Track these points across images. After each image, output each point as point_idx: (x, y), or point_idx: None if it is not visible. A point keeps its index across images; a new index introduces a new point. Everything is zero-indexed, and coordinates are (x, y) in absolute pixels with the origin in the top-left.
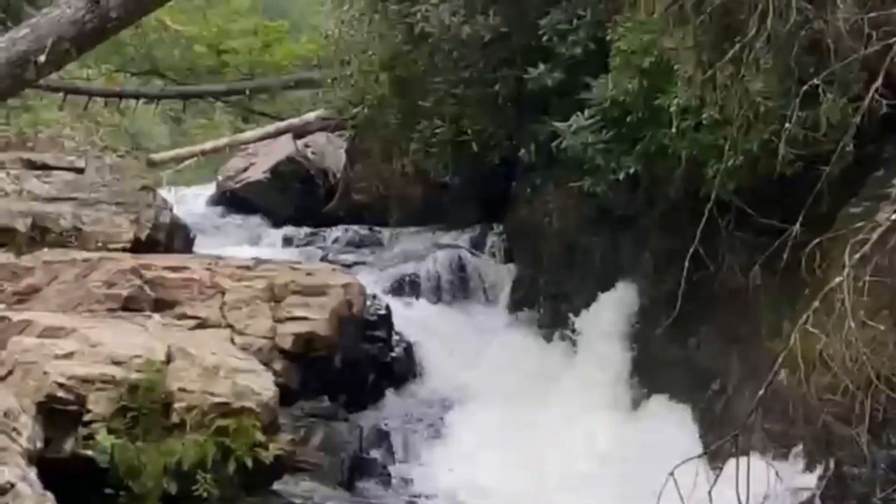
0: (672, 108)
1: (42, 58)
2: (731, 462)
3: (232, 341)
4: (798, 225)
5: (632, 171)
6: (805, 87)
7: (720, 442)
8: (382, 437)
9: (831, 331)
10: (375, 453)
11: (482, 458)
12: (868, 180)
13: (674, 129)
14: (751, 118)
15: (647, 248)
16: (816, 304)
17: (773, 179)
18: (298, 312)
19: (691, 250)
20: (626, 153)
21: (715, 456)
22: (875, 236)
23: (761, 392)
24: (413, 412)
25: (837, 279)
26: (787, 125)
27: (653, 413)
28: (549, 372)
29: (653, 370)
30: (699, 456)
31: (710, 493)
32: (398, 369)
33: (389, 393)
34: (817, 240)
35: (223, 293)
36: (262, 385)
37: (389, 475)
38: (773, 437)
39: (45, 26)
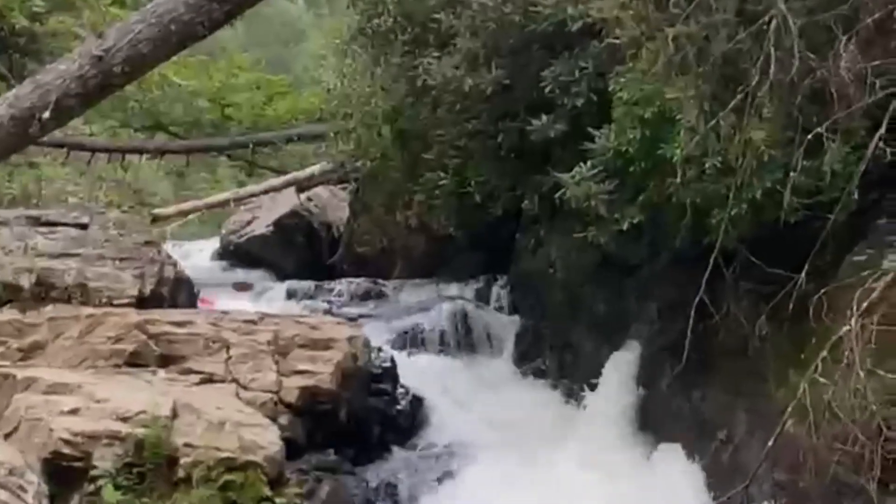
0: (675, 158)
1: (46, 114)
2: None
3: (237, 396)
4: (803, 274)
5: (635, 220)
6: (809, 137)
7: (732, 493)
8: (390, 491)
9: (839, 380)
10: None
11: None
12: (871, 228)
13: (677, 179)
14: (754, 167)
15: (652, 297)
16: (825, 353)
17: (778, 228)
18: (303, 366)
19: (696, 300)
20: (629, 203)
21: None
22: (882, 284)
23: (770, 443)
24: (420, 465)
25: (845, 328)
26: (791, 174)
27: (661, 464)
28: (556, 424)
29: (660, 421)
30: None
31: None
32: (404, 422)
33: (395, 446)
34: (823, 290)
35: (228, 347)
36: (268, 439)
37: None
38: (782, 488)
39: (49, 82)
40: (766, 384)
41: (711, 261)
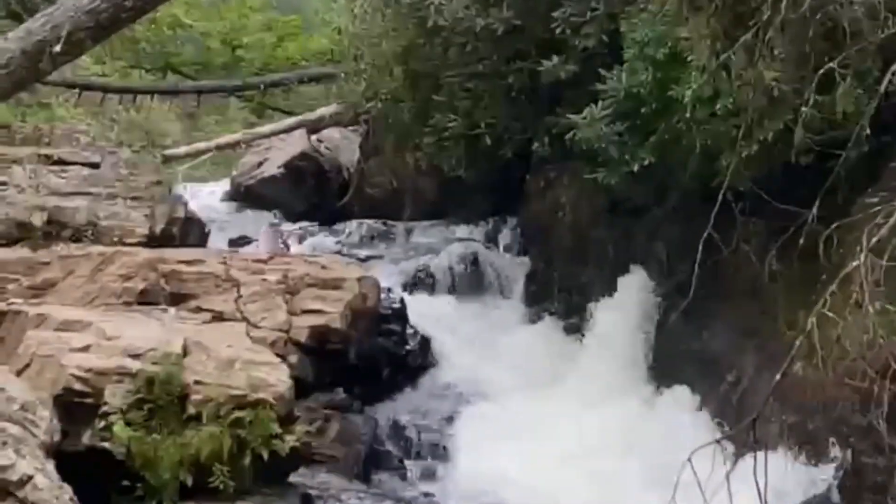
0: (686, 99)
1: (58, 47)
2: (749, 456)
3: (247, 334)
4: (815, 210)
5: (645, 162)
6: (820, 73)
7: (738, 427)
8: (398, 430)
9: (848, 316)
10: (391, 446)
11: (498, 450)
12: (884, 171)
13: (688, 120)
14: (765, 107)
15: (661, 238)
16: (833, 288)
17: (789, 170)
18: (313, 305)
19: (705, 235)
20: (639, 144)
21: (732, 447)
22: (892, 220)
23: (777, 377)
24: (429, 405)
25: (854, 263)
26: (802, 110)
27: (669, 404)
28: (566, 364)
29: (668, 361)
30: (716, 441)
31: (727, 476)
32: (413, 362)
33: (404, 386)
34: (835, 225)
35: (238, 287)
36: (278, 377)
37: (405, 468)
38: (790, 429)
39: (61, 16)
40: (776, 324)
41: (720, 196)
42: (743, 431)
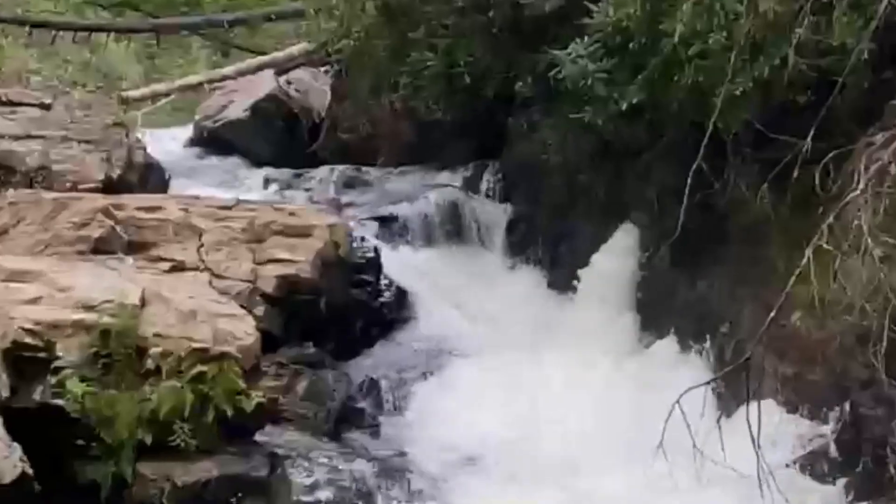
0: (677, 33)
1: None
2: (742, 409)
3: (210, 285)
4: (809, 140)
5: (635, 101)
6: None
7: (728, 369)
8: (371, 387)
9: (847, 247)
10: (364, 403)
11: (478, 408)
12: (885, 108)
13: (679, 55)
14: (760, 40)
15: (652, 182)
16: (831, 219)
17: (785, 110)
18: (281, 254)
19: (693, 168)
20: (628, 82)
21: (726, 400)
22: (894, 146)
23: (771, 315)
24: (404, 361)
25: (852, 193)
26: (797, 31)
27: (660, 358)
28: (551, 317)
29: (660, 314)
30: (707, 384)
31: (718, 421)
32: (388, 316)
33: (379, 340)
34: (832, 154)
35: (200, 234)
36: (243, 329)
37: (379, 426)
38: (786, 381)
39: None
40: (774, 273)
41: (708, 132)
42: (735, 378)
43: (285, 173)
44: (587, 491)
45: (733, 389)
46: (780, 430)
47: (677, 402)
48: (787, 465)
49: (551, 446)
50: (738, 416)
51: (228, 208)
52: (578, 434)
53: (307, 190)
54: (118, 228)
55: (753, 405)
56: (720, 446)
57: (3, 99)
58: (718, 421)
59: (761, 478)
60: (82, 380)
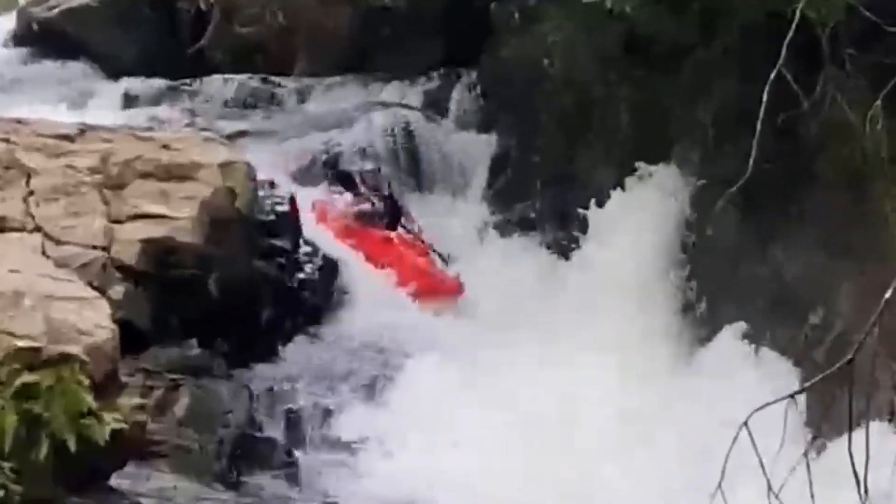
0: None
1: None
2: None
3: (43, 253)
4: None
5: None
6: None
7: (821, 375)
8: (284, 403)
9: None
10: (274, 431)
11: (441, 439)
12: None
13: None
14: None
15: (704, 101)
16: None
17: None
18: (149, 207)
19: (772, 75)
20: None
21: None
22: None
23: (888, 295)
24: (334, 367)
25: None
26: None
27: (715, 357)
28: (549, 299)
29: (714, 292)
30: (790, 396)
31: (805, 454)
32: (310, 300)
33: (296, 336)
34: None
35: (28, 177)
36: (93, 321)
37: (296, 465)
38: None
39: None
40: (887, 234)
41: (794, 17)
42: (830, 390)
43: (155, 86)
44: None
45: (827, 406)
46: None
47: (745, 424)
48: None
49: (556, 492)
50: (835, 447)
51: (70, 138)
52: (601, 476)
53: (189, 111)
54: None
55: (859, 431)
56: (807, 490)
57: None
58: (806, 455)
59: None
60: None
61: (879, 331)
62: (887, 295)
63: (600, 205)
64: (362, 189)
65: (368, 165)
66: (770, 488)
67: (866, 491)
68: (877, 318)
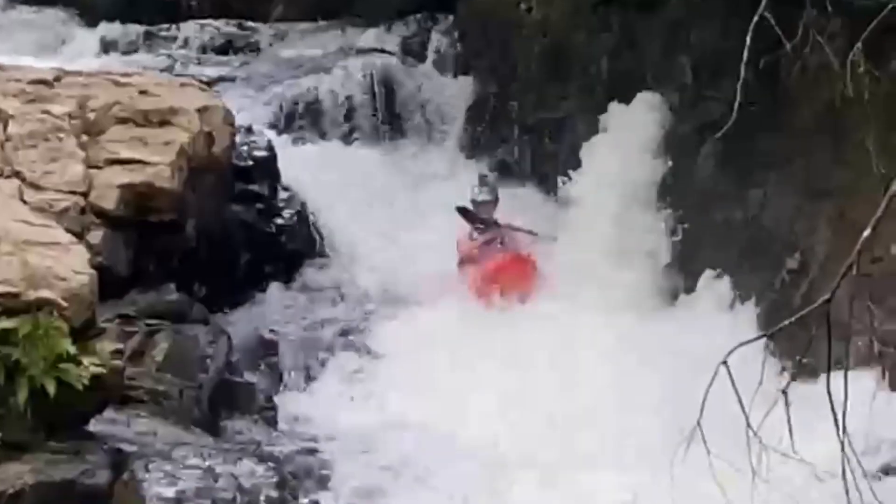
0: None
1: None
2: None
3: (21, 198)
4: None
5: None
6: None
7: (796, 316)
8: (264, 351)
9: None
10: (253, 376)
11: (418, 387)
12: None
13: None
14: None
15: (684, 43)
16: None
17: None
18: (127, 152)
19: (755, 18)
20: None
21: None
22: None
23: (864, 234)
24: (313, 313)
25: None
26: None
27: (693, 303)
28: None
29: (693, 237)
30: (764, 336)
31: (784, 391)
32: (288, 246)
33: (275, 282)
34: None
35: (6, 123)
36: (71, 266)
37: (274, 409)
38: (886, 342)
39: None
40: (867, 176)
41: None
42: (807, 334)
43: (132, 32)
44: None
45: (805, 349)
46: (876, 415)
47: (723, 362)
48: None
49: (535, 445)
50: (813, 393)
51: (48, 84)
52: (573, 420)
53: (166, 56)
54: None
55: (837, 377)
56: (787, 432)
57: None
58: (785, 393)
59: (848, 483)
60: None
61: (857, 276)
62: (864, 234)
63: (577, 150)
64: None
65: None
66: (749, 425)
67: (844, 430)
68: (854, 259)
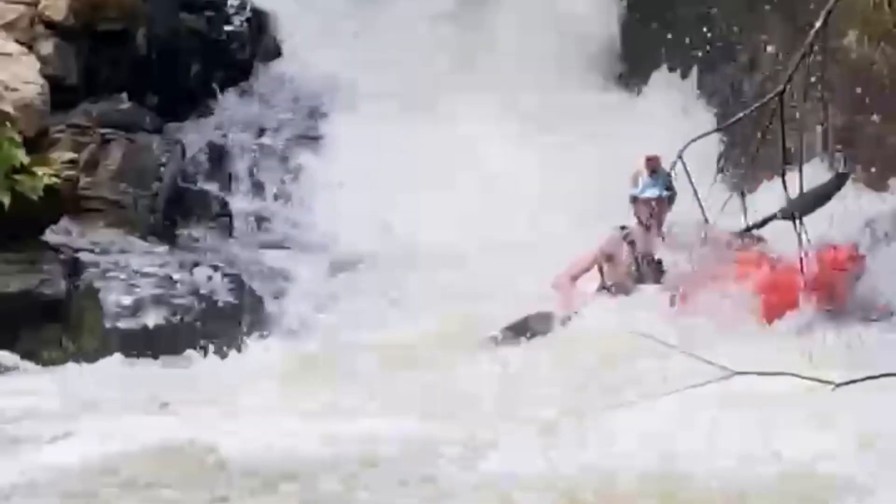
0: None
1: None
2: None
3: None
4: None
5: None
6: None
7: (747, 111)
8: (218, 157)
9: None
10: (207, 183)
11: (370, 185)
12: None
13: None
14: None
15: None
16: None
17: None
18: None
19: None
20: None
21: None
22: None
23: (816, 26)
24: (266, 118)
25: None
26: None
27: (647, 106)
28: (465, 54)
29: (648, 41)
30: (717, 131)
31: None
32: (241, 52)
33: (227, 90)
34: None
35: None
36: (21, 77)
37: (230, 215)
38: (838, 139)
39: None
40: None
41: None
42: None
43: None
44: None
45: (758, 145)
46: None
47: (679, 157)
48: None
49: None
50: (766, 185)
51: None
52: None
53: None
54: None
55: (791, 169)
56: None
57: None
58: (743, 194)
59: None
60: None
61: (810, 68)
62: (817, 25)
63: None
64: None
65: None
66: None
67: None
68: (806, 49)
